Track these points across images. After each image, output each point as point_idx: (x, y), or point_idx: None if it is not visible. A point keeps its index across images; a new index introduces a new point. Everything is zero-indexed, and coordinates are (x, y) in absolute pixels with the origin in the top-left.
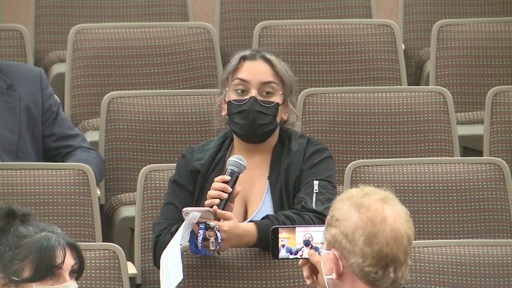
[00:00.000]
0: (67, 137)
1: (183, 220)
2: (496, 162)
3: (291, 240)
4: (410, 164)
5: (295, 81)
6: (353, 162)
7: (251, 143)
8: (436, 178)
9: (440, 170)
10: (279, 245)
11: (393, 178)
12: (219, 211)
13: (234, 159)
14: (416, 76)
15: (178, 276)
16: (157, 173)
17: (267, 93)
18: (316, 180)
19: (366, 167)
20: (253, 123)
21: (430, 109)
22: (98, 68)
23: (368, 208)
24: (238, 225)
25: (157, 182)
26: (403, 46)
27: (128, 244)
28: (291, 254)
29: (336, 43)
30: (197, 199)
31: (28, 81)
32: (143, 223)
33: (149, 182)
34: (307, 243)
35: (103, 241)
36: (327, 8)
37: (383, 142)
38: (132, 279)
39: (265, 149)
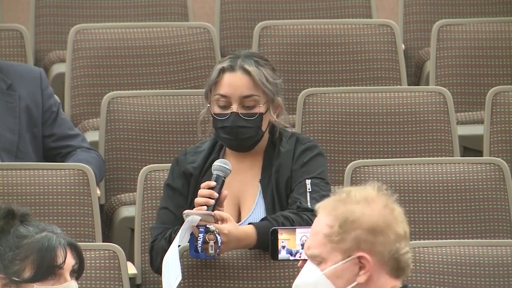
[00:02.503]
0: (67, 137)
1: (181, 223)
2: (496, 162)
3: (291, 241)
4: (410, 164)
5: (278, 85)
6: (353, 162)
7: (240, 152)
8: (436, 178)
9: (440, 170)
10: (279, 247)
11: (393, 178)
12: (217, 212)
13: (219, 163)
14: (416, 76)
15: (178, 277)
16: (157, 173)
17: (249, 106)
18: (308, 179)
19: (366, 167)
20: (237, 138)
21: (430, 109)
22: (98, 68)
23: (376, 198)
24: (238, 227)
25: (157, 182)
26: (403, 46)
27: (128, 244)
28: (291, 255)
29: (336, 43)
30: (191, 203)
31: (28, 81)
32: (143, 223)
33: (149, 182)
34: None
35: (103, 241)
36: (327, 8)
37: (383, 142)
38: (132, 279)
39: (256, 151)
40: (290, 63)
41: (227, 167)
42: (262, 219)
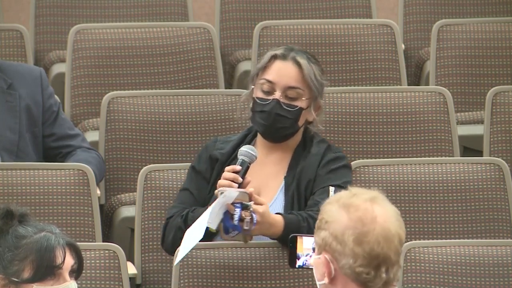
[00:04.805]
0: (67, 137)
1: (201, 204)
2: (496, 162)
3: (299, 245)
4: (410, 164)
5: (324, 86)
6: (353, 162)
7: (270, 142)
8: (436, 178)
9: (440, 170)
10: (297, 254)
11: (393, 178)
12: (255, 195)
13: (245, 149)
14: (416, 76)
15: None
16: (157, 173)
17: (291, 97)
18: (332, 186)
19: (366, 167)
20: (273, 125)
21: (430, 109)
22: (98, 68)
23: (357, 207)
24: (270, 213)
25: (157, 182)
26: (403, 46)
27: (128, 244)
28: (298, 259)
29: (336, 43)
30: (212, 187)
31: (28, 80)
32: (143, 223)
33: (149, 182)
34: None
35: (103, 241)
36: (327, 8)
37: (383, 142)
38: (132, 279)
39: (286, 148)
40: None
41: (253, 153)
42: (289, 213)
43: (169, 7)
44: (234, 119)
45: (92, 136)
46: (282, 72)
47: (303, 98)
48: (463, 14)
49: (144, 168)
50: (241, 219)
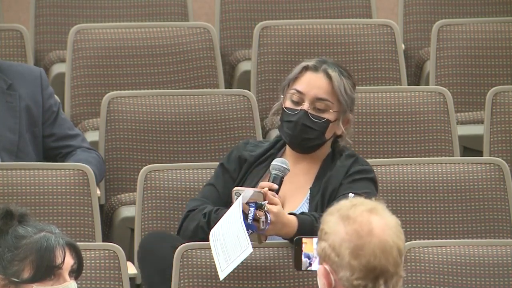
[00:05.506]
0: (67, 137)
1: (223, 203)
2: (496, 162)
3: (308, 245)
4: (410, 164)
5: (354, 101)
6: None
7: (297, 152)
8: (436, 178)
9: (440, 170)
10: (307, 254)
11: (393, 178)
12: (270, 196)
13: (278, 163)
14: (416, 76)
15: (246, 249)
16: (157, 173)
17: (320, 109)
18: (352, 193)
19: None
20: (299, 136)
21: (430, 109)
22: (98, 68)
23: (354, 220)
24: (284, 213)
25: (157, 182)
26: (403, 46)
27: (128, 244)
28: (308, 259)
29: (336, 43)
30: (237, 185)
31: (28, 81)
32: (143, 223)
33: (149, 182)
34: None
35: (103, 241)
36: (327, 8)
37: (383, 142)
38: (132, 279)
39: (315, 159)
40: (290, 63)
41: (286, 166)
42: (301, 213)
43: (169, 7)
44: (234, 119)
45: (92, 136)
46: (312, 83)
47: (331, 111)
48: (463, 14)
49: (144, 168)
50: (255, 219)
